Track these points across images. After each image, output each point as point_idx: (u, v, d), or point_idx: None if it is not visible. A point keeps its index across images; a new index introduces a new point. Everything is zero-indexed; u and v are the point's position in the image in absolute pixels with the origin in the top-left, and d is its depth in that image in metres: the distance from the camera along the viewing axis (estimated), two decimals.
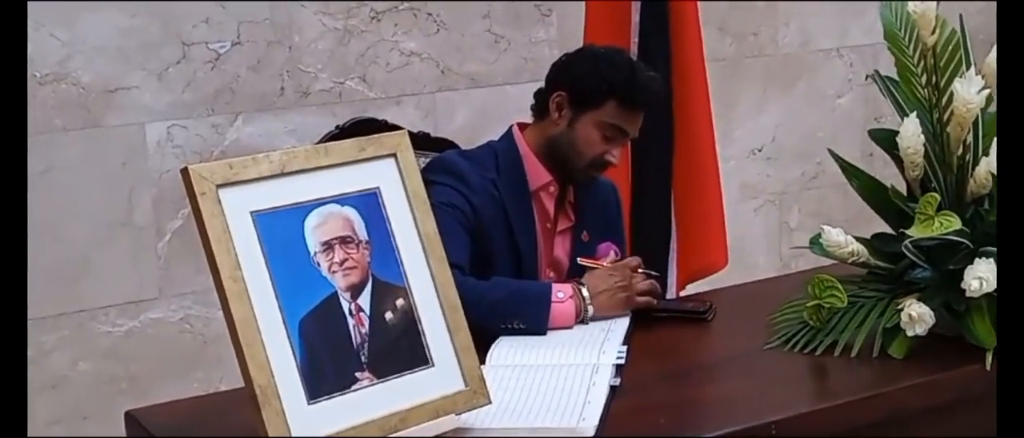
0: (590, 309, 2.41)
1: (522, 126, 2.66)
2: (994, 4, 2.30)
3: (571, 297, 2.40)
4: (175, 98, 3.35)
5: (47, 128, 3.19)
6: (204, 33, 3.36)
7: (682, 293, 3.37)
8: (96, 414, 3.29)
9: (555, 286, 2.42)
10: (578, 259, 2.56)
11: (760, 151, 4.29)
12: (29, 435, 3.20)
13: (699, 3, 3.41)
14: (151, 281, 3.38)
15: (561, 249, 2.64)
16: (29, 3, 2.95)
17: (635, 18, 3.36)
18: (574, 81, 2.58)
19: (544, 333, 2.35)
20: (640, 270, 2.52)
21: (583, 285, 2.43)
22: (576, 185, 2.64)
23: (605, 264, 2.51)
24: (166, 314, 3.40)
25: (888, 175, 2.43)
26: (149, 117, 3.33)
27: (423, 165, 2.64)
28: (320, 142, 2.60)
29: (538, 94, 2.66)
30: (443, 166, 2.57)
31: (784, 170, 4.34)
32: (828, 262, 2.41)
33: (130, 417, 2.12)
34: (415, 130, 2.87)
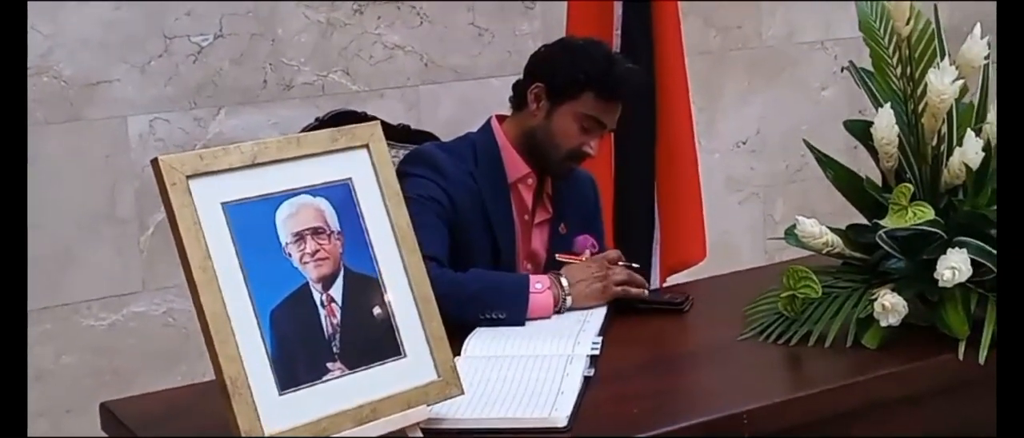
0: (569, 299, 2.42)
1: (501, 118, 2.67)
2: None
3: (549, 288, 2.41)
4: (158, 91, 3.35)
5: (29, 121, 3.18)
6: (186, 26, 3.36)
7: (663, 285, 3.38)
8: (79, 407, 3.29)
9: (533, 277, 2.43)
10: (557, 255, 2.56)
11: (744, 144, 4.30)
12: None
13: None
14: (134, 274, 3.38)
15: (539, 241, 2.65)
16: None
17: (618, 12, 3.37)
18: (552, 72, 2.59)
19: (523, 324, 2.36)
20: (621, 263, 2.52)
21: (561, 276, 2.44)
22: (554, 177, 2.64)
23: (582, 260, 2.51)
24: (149, 307, 3.41)
25: (874, 167, 2.44)
26: (131, 110, 3.33)
27: (402, 157, 2.65)
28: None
29: (516, 86, 2.66)
30: (420, 158, 2.58)
31: (768, 163, 4.34)
32: (812, 254, 2.42)
33: (105, 409, 2.13)
34: (398, 123, 2.88)
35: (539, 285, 2.41)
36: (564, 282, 2.43)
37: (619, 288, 2.47)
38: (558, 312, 2.42)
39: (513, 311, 2.36)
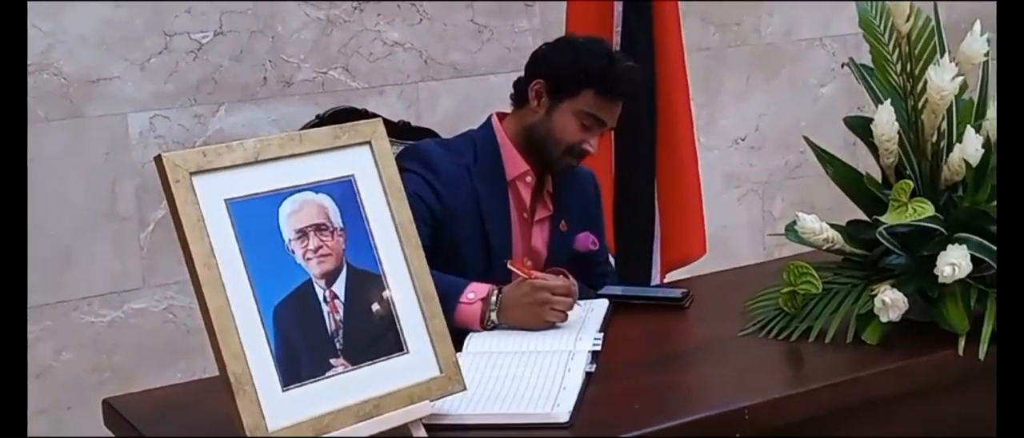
0: (493, 315, 2.32)
1: (501, 116, 2.67)
2: None
3: (481, 300, 2.33)
4: (158, 88, 3.36)
5: (30, 119, 3.19)
6: (186, 23, 3.37)
7: (664, 281, 3.39)
8: (80, 404, 3.29)
9: (470, 286, 2.34)
10: (507, 263, 2.46)
11: (743, 140, 4.31)
12: None
13: None
14: (134, 271, 3.39)
15: (539, 239, 2.65)
16: None
17: (618, 10, 3.38)
18: (552, 70, 2.59)
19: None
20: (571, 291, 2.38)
21: (496, 292, 2.34)
22: (554, 175, 2.64)
23: (535, 276, 2.39)
24: (149, 304, 3.41)
25: (872, 164, 2.44)
26: (132, 107, 3.33)
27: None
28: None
29: (517, 83, 2.67)
30: (416, 154, 2.58)
31: (767, 159, 4.35)
32: (811, 250, 2.42)
33: (108, 405, 2.14)
34: (397, 120, 2.88)
35: (471, 295, 2.33)
36: (494, 299, 2.33)
37: (550, 319, 2.34)
38: (484, 328, 2.32)
39: None
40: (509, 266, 2.44)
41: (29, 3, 3.14)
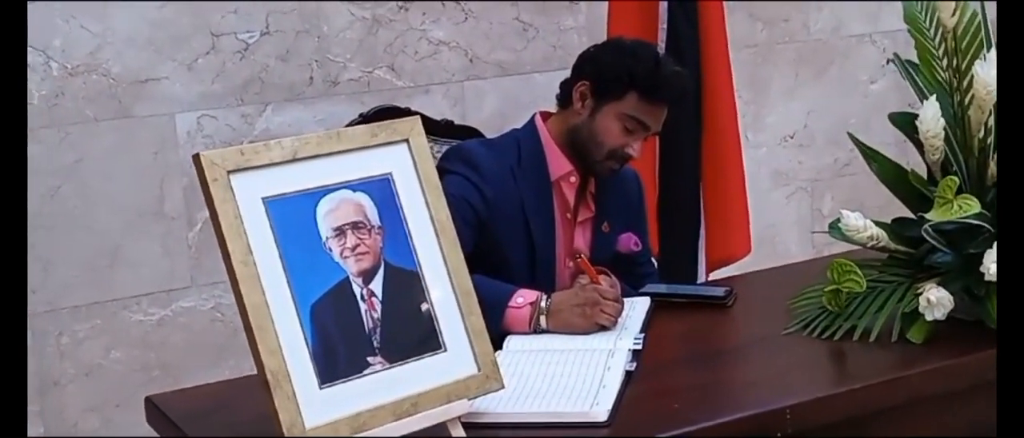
0: (543, 320, 2.32)
1: (545, 115, 2.66)
2: None
3: (530, 304, 2.32)
4: (205, 88, 3.38)
5: (78, 119, 3.23)
6: (233, 23, 3.39)
7: (709, 279, 3.37)
8: (128, 402, 3.32)
9: (518, 291, 2.34)
10: (576, 259, 2.52)
11: (792, 138, 4.27)
12: (65, 423, 3.26)
13: None
14: (182, 270, 3.41)
15: (582, 239, 2.63)
16: None
17: (663, 8, 3.36)
18: (598, 71, 2.57)
19: (497, 333, 2.24)
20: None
21: (547, 297, 2.34)
22: (597, 177, 2.62)
23: (601, 280, 2.42)
24: (197, 303, 3.43)
25: (920, 161, 2.41)
26: (179, 107, 3.36)
27: (443, 153, 2.65)
28: None
29: (564, 84, 2.65)
30: (460, 155, 2.57)
31: (816, 157, 4.31)
32: (858, 248, 2.39)
33: (150, 403, 2.15)
34: (441, 119, 2.89)
35: (520, 299, 2.33)
36: (543, 303, 2.33)
37: (599, 321, 2.34)
38: (534, 332, 2.32)
39: (488, 321, 2.08)
40: (577, 262, 2.49)
41: (78, 5, 3.18)
